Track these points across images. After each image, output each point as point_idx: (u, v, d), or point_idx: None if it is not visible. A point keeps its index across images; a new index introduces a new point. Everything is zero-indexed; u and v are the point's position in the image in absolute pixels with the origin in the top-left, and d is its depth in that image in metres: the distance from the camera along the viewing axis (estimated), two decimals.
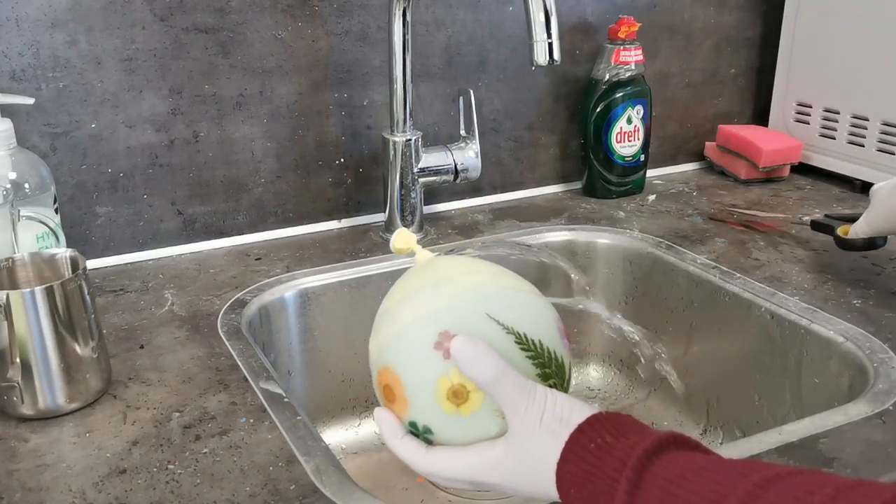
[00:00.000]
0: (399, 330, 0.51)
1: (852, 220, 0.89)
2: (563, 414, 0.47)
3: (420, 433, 0.51)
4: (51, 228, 0.79)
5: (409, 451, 0.51)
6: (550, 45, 0.77)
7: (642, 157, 1.15)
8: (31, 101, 0.81)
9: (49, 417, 0.64)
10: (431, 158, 0.98)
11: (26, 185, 0.77)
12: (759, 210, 1.04)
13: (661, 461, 0.43)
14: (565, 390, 0.52)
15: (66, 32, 0.85)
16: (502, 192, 1.13)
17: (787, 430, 0.61)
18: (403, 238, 0.56)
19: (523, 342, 0.50)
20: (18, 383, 0.62)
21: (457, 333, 0.48)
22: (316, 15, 0.96)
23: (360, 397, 0.93)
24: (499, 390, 0.48)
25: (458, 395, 0.49)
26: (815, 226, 0.93)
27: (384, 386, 0.51)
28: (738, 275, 0.87)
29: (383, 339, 0.52)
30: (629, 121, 1.12)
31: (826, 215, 0.94)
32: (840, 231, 0.87)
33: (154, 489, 0.56)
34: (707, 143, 1.27)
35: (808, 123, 1.20)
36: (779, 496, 0.38)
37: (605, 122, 1.11)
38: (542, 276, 0.95)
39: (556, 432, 0.46)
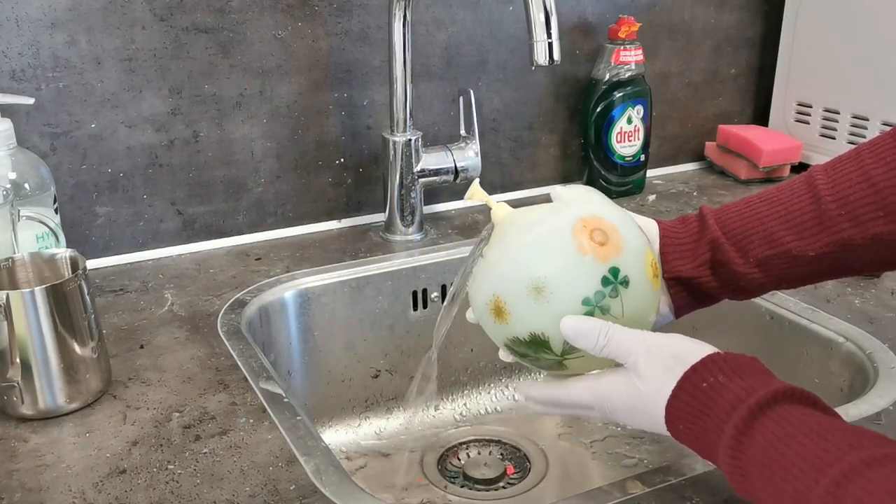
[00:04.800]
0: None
1: None
2: (680, 353, 0.48)
3: (616, 281, 0.51)
4: (51, 228, 0.79)
5: (536, 386, 0.55)
6: (550, 45, 0.77)
7: (642, 157, 1.15)
8: (31, 101, 0.81)
9: (49, 417, 0.64)
10: (431, 158, 0.98)
11: (26, 185, 0.77)
12: None
13: (775, 413, 0.43)
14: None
15: (66, 32, 0.85)
16: (502, 192, 1.13)
17: None
18: (478, 190, 0.59)
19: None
20: (18, 383, 0.62)
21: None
22: (316, 15, 0.96)
23: (360, 397, 0.93)
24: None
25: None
26: None
27: (592, 231, 0.52)
28: None
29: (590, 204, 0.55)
30: (629, 121, 1.12)
31: None
32: None
33: (154, 489, 0.56)
34: (707, 143, 1.27)
35: (808, 123, 1.20)
36: (882, 477, 0.38)
37: (606, 122, 1.11)
38: None
39: (672, 369, 0.48)
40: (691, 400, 0.46)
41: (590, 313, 0.51)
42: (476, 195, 0.59)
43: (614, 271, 0.51)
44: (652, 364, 0.49)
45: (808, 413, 0.44)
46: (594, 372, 0.53)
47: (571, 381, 0.54)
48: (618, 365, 0.51)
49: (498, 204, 0.58)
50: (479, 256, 0.56)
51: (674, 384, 0.47)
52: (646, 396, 0.49)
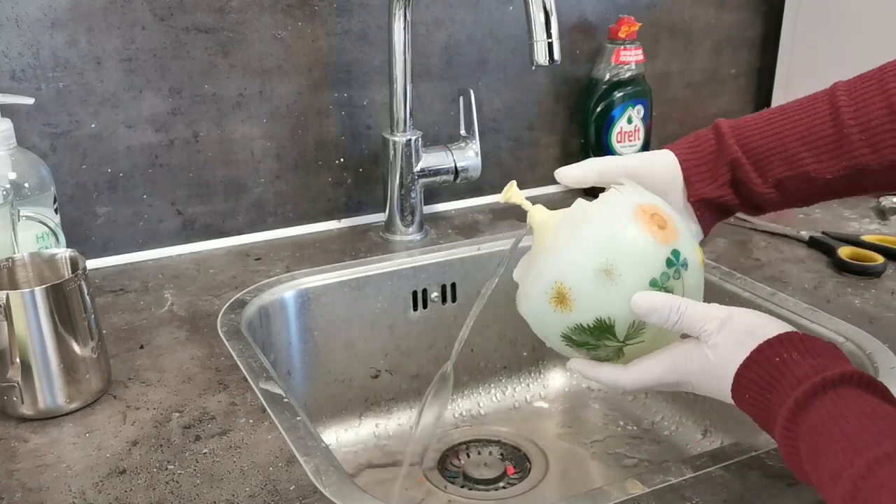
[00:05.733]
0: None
1: (850, 240, 0.90)
2: (753, 327, 0.50)
3: (678, 264, 0.53)
4: (51, 228, 0.79)
5: (607, 370, 0.56)
6: (550, 44, 0.77)
7: None
8: (31, 101, 0.81)
9: (49, 417, 0.64)
10: (431, 158, 0.98)
11: (26, 185, 0.77)
12: (757, 217, 1.04)
13: (835, 393, 0.45)
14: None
15: (66, 32, 0.85)
16: (502, 191, 1.13)
17: None
18: (515, 192, 0.60)
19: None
20: (18, 383, 0.62)
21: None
22: (316, 15, 0.96)
23: (359, 397, 0.93)
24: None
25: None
26: (814, 243, 0.94)
27: (651, 215, 0.54)
28: (739, 275, 0.87)
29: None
30: (629, 121, 1.12)
31: (824, 233, 0.94)
32: (841, 253, 0.88)
33: (154, 489, 0.56)
34: None
35: None
36: None
37: (606, 121, 1.11)
38: None
39: (742, 343, 0.50)
40: (762, 371, 0.48)
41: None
42: (514, 197, 0.60)
43: (676, 254, 0.54)
44: (724, 336, 0.51)
45: (867, 398, 0.45)
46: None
47: (645, 360, 0.54)
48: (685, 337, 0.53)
49: (535, 207, 0.59)
50: (513, 257, 0.59)
51: (744, 356, 0.49)
52: (715, 365, 0.51)
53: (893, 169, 0.57)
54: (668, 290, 0.53)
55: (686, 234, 0.56)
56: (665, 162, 0.62)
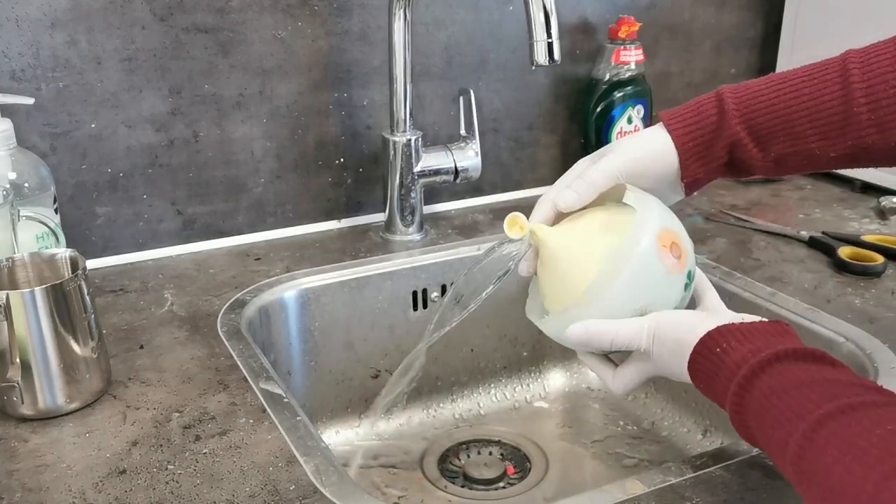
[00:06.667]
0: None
1: (851, 240, 0.90)
2: (681, 335, 0.53)
3: (690, 281, 0.57)
4: (51, 228, 0.79)
5: (605, 371, 0.59)
6: (550, 44, 0.77)
7: None
8: (31, 101, 0.81)
9: (49, 417, 0.64)
10: (431, 158, 0.98)
11: (26, 185, 0.77)
12: (757, 217, 1.04)
13: (774, 370, 0.47)
14: None
15: (66, 32, 0.85)
16: (502, 192, 1.13)
17: None
18: (517, 226, 0.59)
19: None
20: (18, 383, 0.62)
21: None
22: (316, 15, 0.96)
23: (360, 397, 0.93)
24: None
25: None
26: (814, 243, 0.94)
27: (671, 247, 0.56)
28: (739, 275, 0.87)
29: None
30: (629, 121, 1.12)
31: (824, 233, 0.94)
32: (841, 253, 0.88)
33: (154, 489, 0.56)
34: None
35: None
36: (852, 422, 0.41)
37: (606, 121, 1.11)
38: None
39: (676, 352, 0.53)
40: (707, 363, 0.51)
41: None
42: (522, 230, 0.58)
43: (690, 275, 0.57)
44: (658, 348, 0.54)
45: (805, 368, 0.46)
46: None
47: (626, 366, 0.58)
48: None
49: (538, 227, 0.59)
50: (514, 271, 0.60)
51: (683, 362, 0.52)
52: (665, 371, 0.55)
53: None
54: (684, 307, 0.57)
55: (690, 244, 0.58)
56: (663, 151, 0.60)
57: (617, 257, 0.54)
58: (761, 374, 0.47)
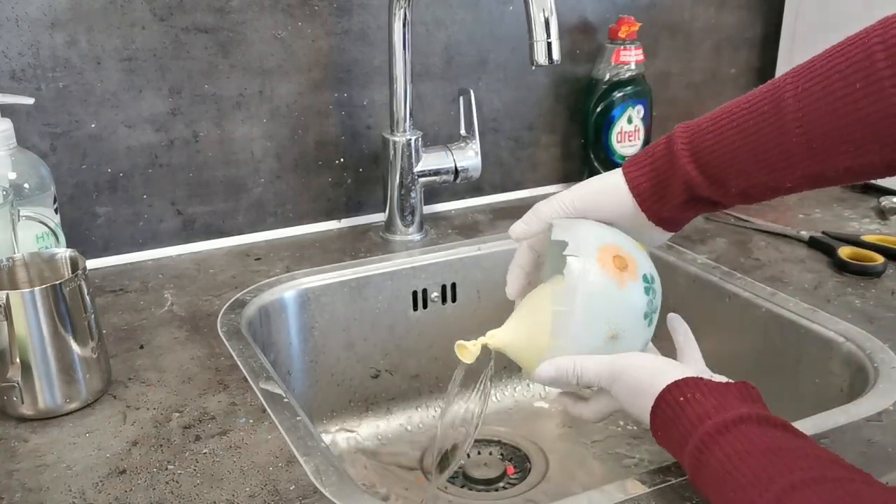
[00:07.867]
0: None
1: (851, 240, 0.90)
2: (639, 385, 0.53)
3: (651, 284, 0.58)
4: (51, 228, 0.79)
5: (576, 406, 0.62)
6: (550, 44, 0.77)
7: None
8: (31, 101, 0.81)
9: (49, 417, 0.64)
10: (431, 158, 0.98)
11: (26, 185, 0.77)
12: (757, 217, 1.04)
13: (736, 432, 0.46)
14: None
15: (66, 32, 0.85)
16: (502, 192, 1.13)
17: None
18: (467, 351, 0.61)
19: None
20: (18, 383, 0.62)
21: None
22: (316, 15, 0.96)
23: (360, 397, 0.93)
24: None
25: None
26: (814, 243, 0.94)
27: (613, 259, 0.56)
28: (739, 275, 0.87)
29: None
30: (630, 121, 1.12)
31: (824, 233, 0.94)
32: (841, 253, 0.88)
33: (154, 489, 0.56)
34: None
35: None
36: (815, 496, 0.41)
37: (606, 121, 1.11)
38: None
39: (632, 402, 0.54)
40: (668, 410, 0.51)
41: (652, 320, 0.58)
42: (468, 356, 0.61)
43: (647, 278, 0.57)
44: (618, 389, 0.55)
45: (772, 434, 0.46)
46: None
47: (596, 398, 0.60)
48: None
49: (485, 339, 0.61)
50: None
51: (640, 412, 0.53)
52: (627, 410, 0.56)
53: (850, 173, 0.53)
54: (655, 309, 0.58)
55: (634, 248, 0.58)
56: (614, 186, 0.60)
57: (565, 295, 0.55)
58: (726, 434, 0.46)
